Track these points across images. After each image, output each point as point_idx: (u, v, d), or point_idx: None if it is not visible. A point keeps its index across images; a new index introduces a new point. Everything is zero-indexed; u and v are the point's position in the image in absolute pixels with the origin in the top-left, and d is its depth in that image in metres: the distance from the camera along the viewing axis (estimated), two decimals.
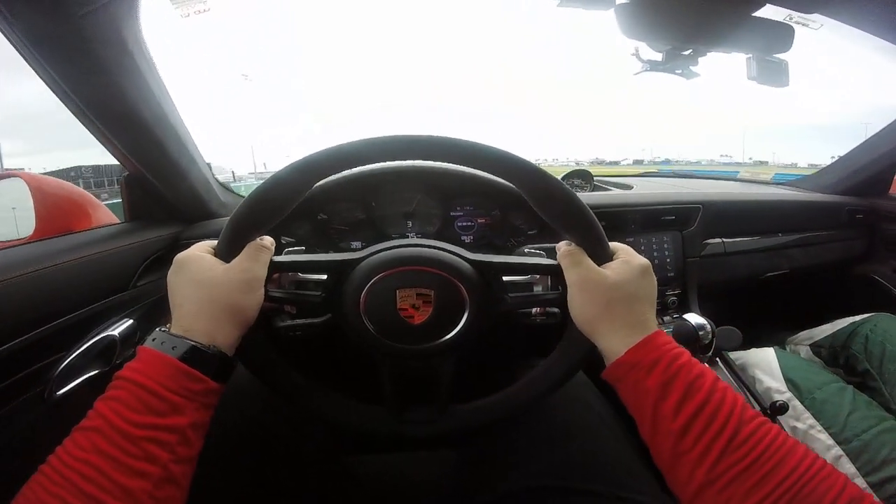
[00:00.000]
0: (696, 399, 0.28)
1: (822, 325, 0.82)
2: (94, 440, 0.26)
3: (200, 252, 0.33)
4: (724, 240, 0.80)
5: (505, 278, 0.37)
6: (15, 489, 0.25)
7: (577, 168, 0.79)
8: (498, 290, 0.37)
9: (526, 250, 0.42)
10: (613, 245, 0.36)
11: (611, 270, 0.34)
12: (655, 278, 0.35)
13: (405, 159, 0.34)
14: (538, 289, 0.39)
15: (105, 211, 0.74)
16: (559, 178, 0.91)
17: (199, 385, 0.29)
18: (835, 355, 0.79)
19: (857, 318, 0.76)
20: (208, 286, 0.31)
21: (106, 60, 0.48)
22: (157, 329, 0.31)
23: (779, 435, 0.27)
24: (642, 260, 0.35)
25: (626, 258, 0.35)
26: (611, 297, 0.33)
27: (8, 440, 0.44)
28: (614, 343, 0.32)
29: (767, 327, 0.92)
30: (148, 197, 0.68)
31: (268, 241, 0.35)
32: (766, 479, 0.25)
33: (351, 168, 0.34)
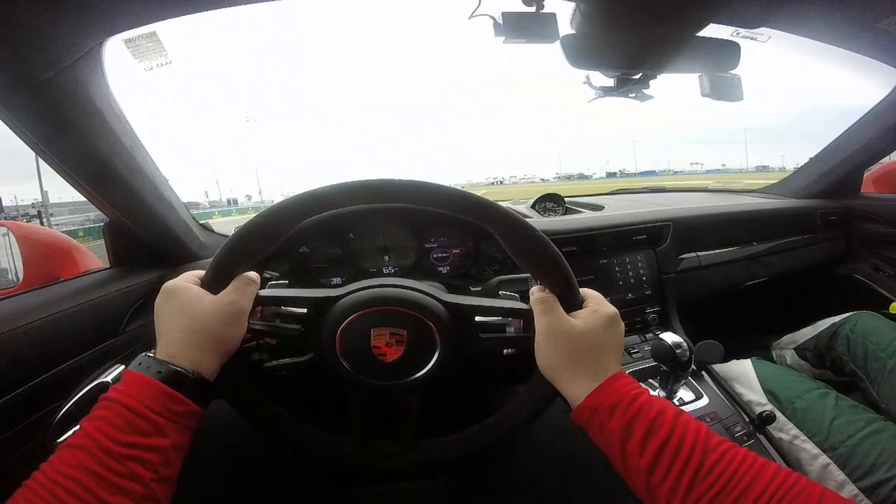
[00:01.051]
0: (659, 435, 0.29)
1: (805, 328, 0.81)
2: (79, 457, 0.26)
3: (188, 283, 0.34)
4: (699, 253, 0.79)
5: (478, 319, 0.38)
6: None
7: (549, 192, 0.80)
8: (470, 330, 0.38)
9: (500, 281, 0.42)
10: (584, 292, 0.37)
11: (579, 320, 0.34)
12: (623, 326, 0.36)
13: (384, 202, 0.35)
14: (510, 329, 0.39)
15: (90, 256, 0.75)
16: (531, 202, 0.91)
17: (181, 407, 0.30)
18: (820, 357, 0.77)
19: (837, 318, 0.75)
20: (195, 316, 0.32)
21: (74, 120, 0.49)
22: (143, 354, 0.31)
23: (747, 457, 0.27)
24: (611, 309, 0.35)
25: (595, 307, 0.35)
26: (576, 346, 0.33)
27: (12, 490, 0.44)
28: (576, 390, 0.33)
29: (754, 334, 0.90)
30: (131, 243, 0.69)
31: (254, 275, 0.36)
32: (741, 500, 0.25)
33: (327, 211, 0.36)
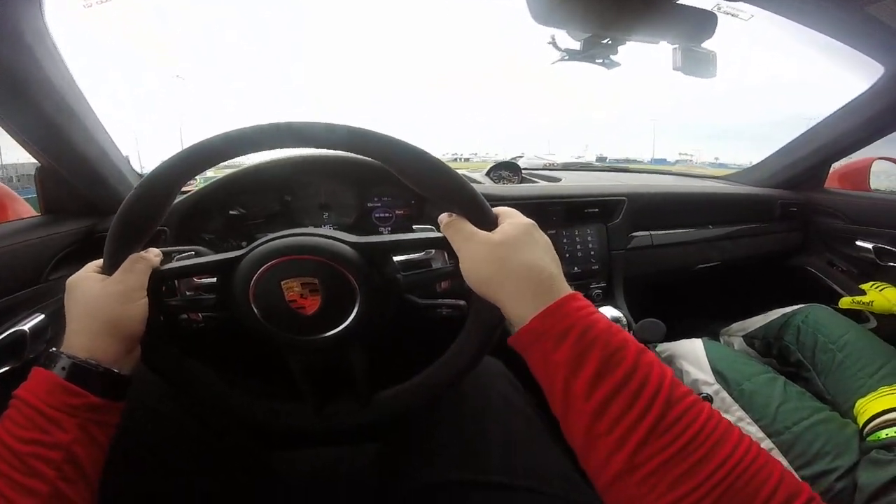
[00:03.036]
0: (616, 375, 0.23)
1: (756, 316, 0.79)
2: None
3: (87, 273, 0.33)
4: (652, 232, 0.77)
5: (397, 259, 0.35)
6: None
7: (505, 161, 0.75)
8: (390, 272, 0.35)
9: (415, 227, 0.39)
10: (497, 209, 0.33)
11: (495, 233, 0.30)
12: (547, 238, 0.31)
13: (260, 150, 0.32)
14: (437, 264, 0.36)
15: (24, 205, 0.70)
16: (485, 170, 0.87)
17: (78, 400, 0.28)
18: (768, 346, 0.77)
19: (789, 309, 0.74)
20: (88, 303, 0.31)
21: (3, 55, 0.44)
22: (51, 349, 0.30)
23: (711, 417, 0.23)
24: (526, 219, 0.31)
25: (510, 219, 0.31)
26: (501, 256, 0.29)
27: None
28: (520, 308, 0.27)
29: (702, 318, 0.89)
30: (62, 190, 0.63)
31: (152, 252, 0.35)
32: (695, 469, 0.21)
33: (207, 168, 0.33)
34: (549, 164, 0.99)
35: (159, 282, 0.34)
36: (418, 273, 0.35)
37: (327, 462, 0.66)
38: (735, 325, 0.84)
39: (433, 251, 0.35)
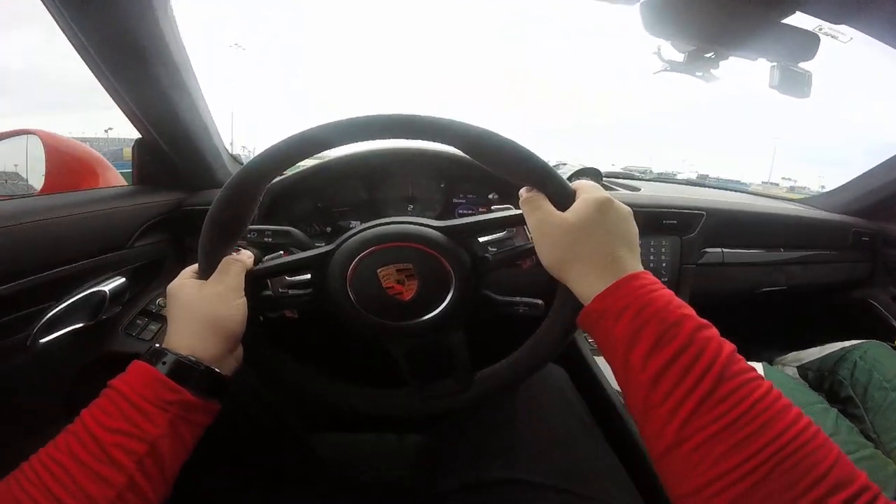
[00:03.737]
0: (669, 349, 0.24)
1: (812, 347, 0.78)
2: (69, 442, 0.26)
3: (185, 279, 0.34)
4: (724, 250, 0.76)
5: (482, 239, 0.36)
6: None
7: (587, 167, 0.74)
8: (477, 251, 0.36)
9: (493, 207, 0.39)
10: (576, 184, 0.33)
11: (570, 212, 0.31)
12: (624, 211, 0.31)
13: (329, 148, 0.32)
14: (517, 242, 0.36)
15: (115, 174, 0.72)
16: (567, 176, 0.87)
17: (173, 395, 0.28)
18: (821, 379, 0.75)
19: (848, 343, 0.73)
20: (188, 305, 0.32)
21: (127, 18, 0.46)
22: (153, 346, 0.31)
23: (768, 393, 0.23)
24: (601, 194, 0.31)
25: (585, 195, 0.31)
26: (571, 237, 0.30)
27: None
28: (583, 288, 0.29)
29: (758, 343, 0.87)
30: (156, 162, 0.66)
31: (244, 254, 0.36)
32: (743, 444, 0.22)
33: (290, 166, 0.34)
34: (629, 172, 0.98)
35: (255, 282, 0.35)
36: (504, 251, 0.36)
37: (370, 448, 0.66)
38: (790, 356, 0.82)
39: (514, 230, 0.36)
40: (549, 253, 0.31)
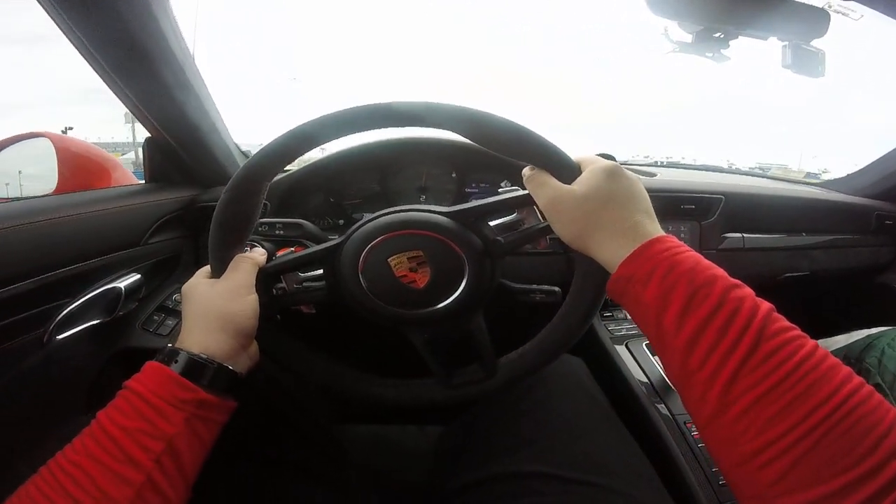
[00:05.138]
0: (702, 310, 0.24)
1: (838, 334, 0.76)
2: (86, 444, 0.26)
3: (198, 279, 0.35)
4: (745, 235, 0.75)
5: (493, 223, 0.36)
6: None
7: (602, 152, 0.75)
8: (488, 235, 0.36)
9: (500, 189, 0.39)
10: (579, 158, 0.33)
11: (578, 184, 0.31)
12: (631, 177, 0.31)
13: (335, 138, 0.33)
14: (528, 224, 0.37)
15: (126, 173, 0.74)
16: None
17: (188, 394, 0.28)
18: (848, 367, 0.73)
19: (875, 330, 0.71)
20: (201, 302, 0.33)
21: (129, 21, 0.47)
22: (167, 346, 0.32)
23: (814, 353, 0.22)
24: (608, 162, 0.31)
25: (592, 167, 0.31)
26: (586, 208, 0.30)
27: (2, 379, 0.43)
28: (608, 256, 0.29)
29: None
30: (167, 160, 0.68)
31: (257, 251, 0.37)
32: (792, 407, 0.20)
33: (294, 160, 0.34)
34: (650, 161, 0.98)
35: (267, 279, 0.36)
36: (517, 233, 0.36)
37: (392, 439, 0.66)
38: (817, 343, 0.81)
39: (525, 211, 0.36)
40: (566, 227, 0.31)
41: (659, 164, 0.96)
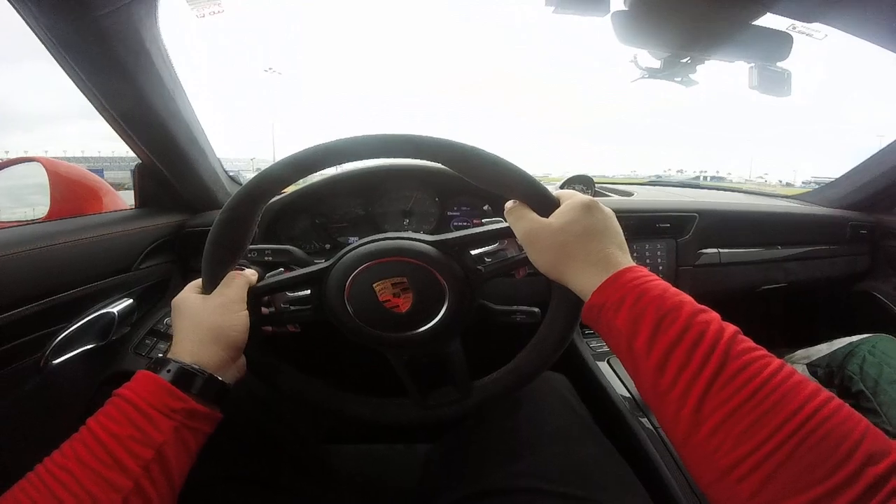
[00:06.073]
0: (670, 333, 0.25)
1: (820, 343, 0.79)
2: (76, 448, 0.27)
3: (189, 293, 0.37)
4: (721, 250, 0.78)
5: (474, 252, 0.38)
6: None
7: (579, 174, 0.78)
8: (469, 264, 0.38)
9: (484, 220, 0.41)
10: (558, 193, 0.35)
11: (555, 217, 0.33)
12: (607, 212, 0.34)
13: (333, 165, 0.35)
14: (509, 253, 0.39)
15: (117, 197, 0.76)
16: (559, 184, 0.91)
17: (178, 403, 0.29)
18: (830, 375, 0.76)
19: (856, 338, 0.74)
20: (193, 316, 0.34)
21: (123, 58, 0.50)
22: (157, 356, 0.34)
23: (780, 370, 0.23)
24: (585, 197, 0.33)
25: (570, 201, 0.33)
26: (560, 241, 0.32)
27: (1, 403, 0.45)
28: (582, 284, 0.31)
29: (764, 342, 0.88)
30: (158, 186, 0.70)
31: (248, 271, 0.38)
32: (762, 421, 0.21)
33: (285, 187, 0.37)
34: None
35: (257, 298, 0.37)
36: (496, 262, 0.38)
37: (379, 458, 0.68)
38: (799, 353, 0.83)
39: (506, 242, 0.38)
40: (542, 257, 0.33)
41: (636, 183, 0.99)
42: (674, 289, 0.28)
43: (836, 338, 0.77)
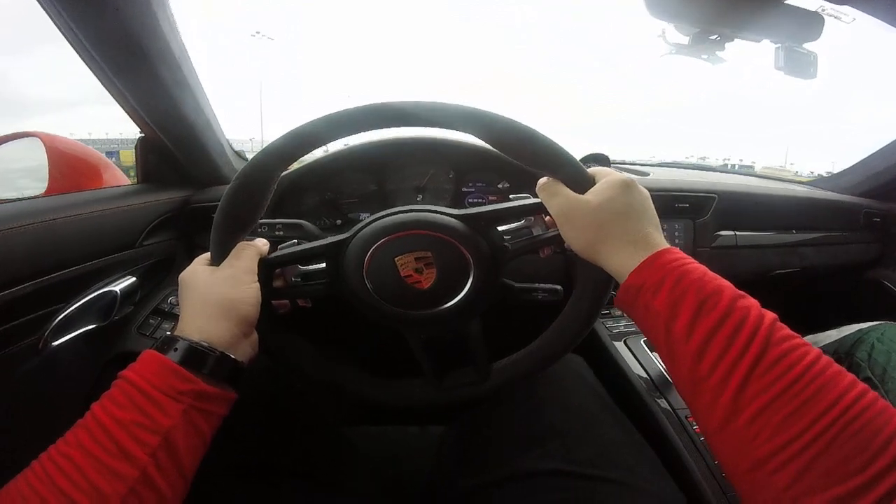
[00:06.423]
0: (711, 317, 0.25)
1: (829, 329, 0.79)
2: (79, 436, 0.25)
3: (197, 266, 0.35)
4: (737, 232, 0.78)
5: (501, 228, 0.37)
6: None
7: (595, 152, 0.76)
8: (496, 240, 0.36)
9: (511, 196, 0.40)
10: (593, 170, 0.34)
11: (592, 194, 0.32)
12: (644, 191, 0.33)
13: (361, 130, 0.33)
14: (537, 230, 0.37)
15: (117, 172, 0.73)
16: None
17: (186, 385, 0.27)
18: (839, 362, 0.75)
19: (865, 325, 0.74)
20: (200, 288, 0.32)
21: (127, 17, 0.47)
22: (166, 334, 0.31)
23: (819, 359, 0.23)
24: (624, 175, 0.32)
25: (608, 179, 0.32)
26: (599, 219, 0.31)
27: None
28: (618, 265, 0.30)
29: None
30: (161, 160, 0.68)
31: (259, 241, 0.36)
32: (802, 410, 0.21)
33: (311, 150, 0.34)
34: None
35: (268, 270, 0.35)
36: (524, 239, 0.37)
37: (397, 439, 0.67)
38: (808, 339, 0.83)
39: (532, 219, 0.37)
40: (578, 235, 0.32)
41: (650, 164, 0.99)
42: (711, 272, 0.28)
43: (845, 324, 0.76)
